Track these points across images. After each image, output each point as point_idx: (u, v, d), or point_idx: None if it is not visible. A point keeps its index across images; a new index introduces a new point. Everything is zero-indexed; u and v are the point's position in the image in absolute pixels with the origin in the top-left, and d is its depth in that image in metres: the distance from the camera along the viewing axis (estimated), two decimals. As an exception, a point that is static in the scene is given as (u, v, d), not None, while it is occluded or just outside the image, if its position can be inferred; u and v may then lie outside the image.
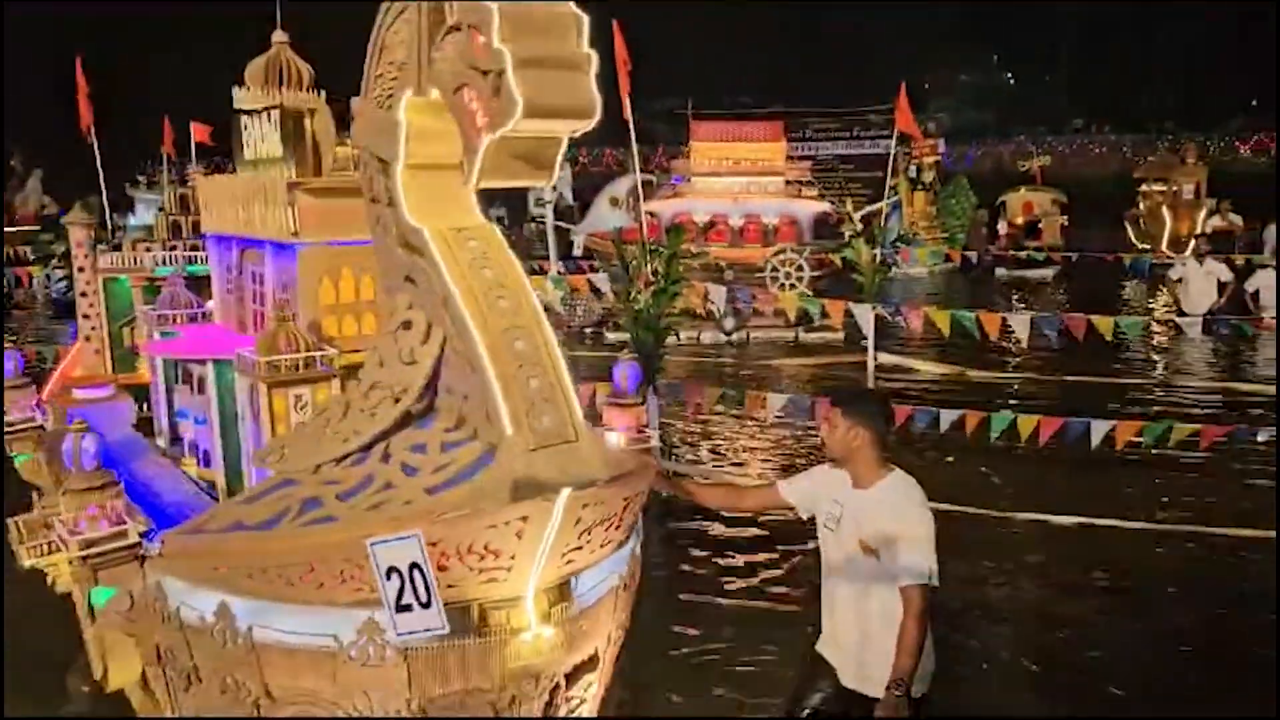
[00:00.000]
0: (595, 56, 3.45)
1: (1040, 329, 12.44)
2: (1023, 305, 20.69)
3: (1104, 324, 11.91)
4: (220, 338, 6.04)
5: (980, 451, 9.86)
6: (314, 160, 5.40)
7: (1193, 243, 21.33)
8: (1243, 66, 46.78)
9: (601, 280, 16.00)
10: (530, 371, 3.87)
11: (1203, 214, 24.31)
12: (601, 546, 4.20)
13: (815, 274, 18.54)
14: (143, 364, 8.05)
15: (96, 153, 9.77)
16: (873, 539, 4.30)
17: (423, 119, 3.94)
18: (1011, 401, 11.94)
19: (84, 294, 7.75)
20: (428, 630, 3.73)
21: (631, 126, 14.74)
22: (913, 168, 28.82)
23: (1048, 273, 24.43)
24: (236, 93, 5.69)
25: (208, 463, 5.94)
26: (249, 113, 5.59)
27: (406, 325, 4.08)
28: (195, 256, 8.14)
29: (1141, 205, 25.87)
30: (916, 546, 4.20)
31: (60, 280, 17.71)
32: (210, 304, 6.63)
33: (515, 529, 3.80)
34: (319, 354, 5.13)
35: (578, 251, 24.63)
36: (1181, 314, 17.67)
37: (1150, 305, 20.56)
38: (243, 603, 4.15)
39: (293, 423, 4.91)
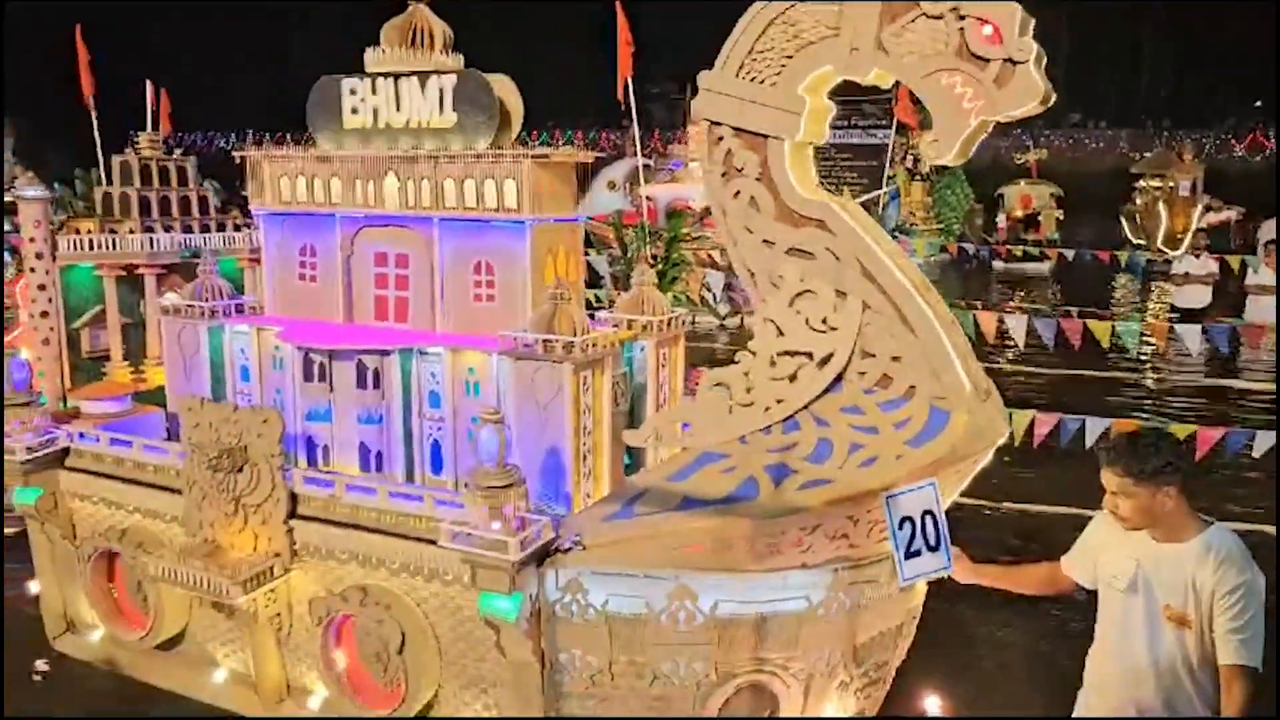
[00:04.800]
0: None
1: (1037, 333, 12.38)
2: (1018, 301, 20.66)
3: (1100, 329, 11.91)
4: (353, 329, 5.44)
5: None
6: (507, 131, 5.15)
7: (1188, 238, 21.31)
8: (1240, 64, 46.77)
9: (599, 263, 15.94)
10: (952, 330, 4.03)
11: (1198, 211, 24.36)
12: None
13: (812, 262, 18.51)
14: (117, 371, 7.08)
15: (95, 123, 9.62)
16: (1189, 604, 3.54)
17: (814, 99, 4.13)
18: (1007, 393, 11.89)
19: (42, 286, 6.33)
20: (934, 571, 3.88)
21: (633, 109, 14.60)
22: (910, 158, 28.80)
23: (1044, 267, 24.49)
24: (369, 54, 5.29)
25: (379, 465, 5.35)
26: (377, 76, 5.19)
27: (804, 295, 4.11)
28: (187, 240, 7.29)
29: (1138, 201, 25.90)
30: (1255, 621, 3.42)
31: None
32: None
33: (962, 474, 4.03)
34: (601, 334, 4.92)
35: (574, 234, 24.47)
36: (1175, 311, 17.66)
37: (1148, 304, 20.52)
38: (697, 581, 4.03)
39: (582, 406, 4.76)
